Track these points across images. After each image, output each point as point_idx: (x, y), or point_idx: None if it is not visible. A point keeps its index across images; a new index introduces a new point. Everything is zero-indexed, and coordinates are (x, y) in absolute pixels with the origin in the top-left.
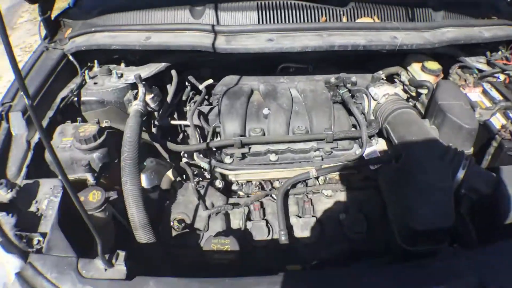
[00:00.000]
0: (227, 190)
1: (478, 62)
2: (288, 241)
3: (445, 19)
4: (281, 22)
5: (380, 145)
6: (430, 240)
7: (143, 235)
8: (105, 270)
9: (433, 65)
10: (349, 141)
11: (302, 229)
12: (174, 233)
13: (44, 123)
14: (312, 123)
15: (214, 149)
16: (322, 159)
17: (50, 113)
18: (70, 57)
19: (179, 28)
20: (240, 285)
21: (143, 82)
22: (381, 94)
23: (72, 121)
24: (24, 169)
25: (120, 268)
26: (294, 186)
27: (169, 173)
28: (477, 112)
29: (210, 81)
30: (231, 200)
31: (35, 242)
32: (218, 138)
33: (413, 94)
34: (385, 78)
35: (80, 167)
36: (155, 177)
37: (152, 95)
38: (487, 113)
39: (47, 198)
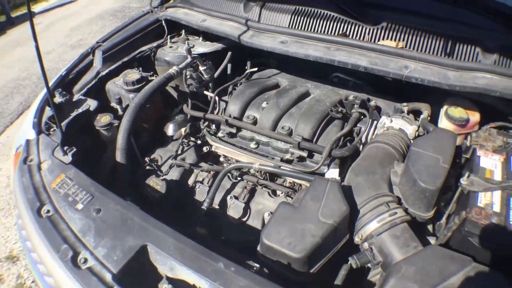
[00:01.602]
0: (215, 158)
1: None
2: (206, 209)
3: (495, 65)
4: (309, 29)
5: None
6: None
7: (119, 155)
8: (63, 155)
9: (457, 112)
10: None
11: (229, 209)
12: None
13: (116, 64)
14: (296, 128)
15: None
16: (291, 163)
17: (125, 58)
18: (163, 22)
19: (225, 17)
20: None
21: (196, 55)
22: (387, 125)
23: (144, 71)
24: (85, 89)
25: (68, 157)
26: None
27: (182, 129)
28: (465, 179)
29: (255, 69)
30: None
31: (51, 129)
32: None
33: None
34: (405, 112)
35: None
36: (177, 128)
37: (205, 67)
38: (482, 185)
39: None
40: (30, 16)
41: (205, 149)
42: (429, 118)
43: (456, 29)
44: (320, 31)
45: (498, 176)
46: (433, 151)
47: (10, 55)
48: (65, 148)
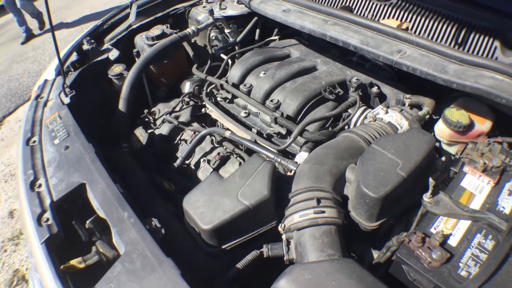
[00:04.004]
0: (213, 121)
1: None
2: (177, 167)
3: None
4: (322, 1)
5: None
6: None
7: (121, 105)
8: (65, 97)
9: (457, 115)
10: None
11: (199, 172)
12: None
13: (149, 18)
14: (283, 102)
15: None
16: (270, 138)
17: (158, 14)
18: None
19: None
20: None
21: (220, 17)
22: (379, 117)
23: (177, 28)
24: (114, 40)
25: (67, 99)
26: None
27: (192, 88)
28: (428, 196)
29: (275, 37)
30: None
31: (70, 73)
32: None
33: None
34: (407, 104)
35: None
36: (192, 87)
37: (229, 30)
38: (448, 209)
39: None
40: None
41: (203, 110)
42: (428, 116)
43: (477, 15)
44: (329, 3)
45: (478, 203)
46: (394, 153)
47: None
48: (68, 91)
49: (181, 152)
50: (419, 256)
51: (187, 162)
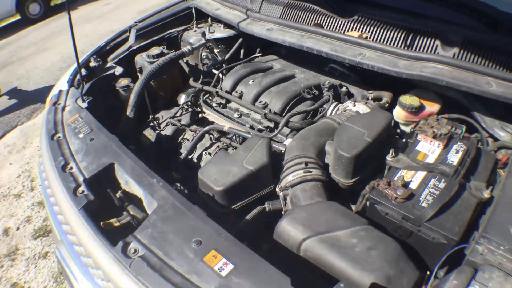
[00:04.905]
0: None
1: (501, 129)
2: (182, 158)
3: (448, 57)
4: (296, 20)
5: None
6: None
7: (129, 111)
8: (82, 102)
9: (409, 100)
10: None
11: (202, 162)
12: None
13: (147, 41)
14: (270, 103)
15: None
16: (260, 132)
17: (155, 37)
18: (193, 10)
19: (232, 7)
20: None
21: (210, 39)
22: (348, 108)
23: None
24: (117, 59)
25: (85, 103)
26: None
27: (189, 98)
28: (390, 156)
29: (258, 55)
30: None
31: (81, 85)
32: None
33: None
34: (370, 98)
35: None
36: (189, 97)
37: (218, 50)
38: (406, 164)
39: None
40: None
41: (200, 115)
42: (387, 105)
43: (420, 23)
44: (304, 22)
45: (431, 160)
46: (361, 126)
47: (80, 30)
48: (85, 97)
49: (184, 149)
50: (387, 194)
51: (189, 157)
